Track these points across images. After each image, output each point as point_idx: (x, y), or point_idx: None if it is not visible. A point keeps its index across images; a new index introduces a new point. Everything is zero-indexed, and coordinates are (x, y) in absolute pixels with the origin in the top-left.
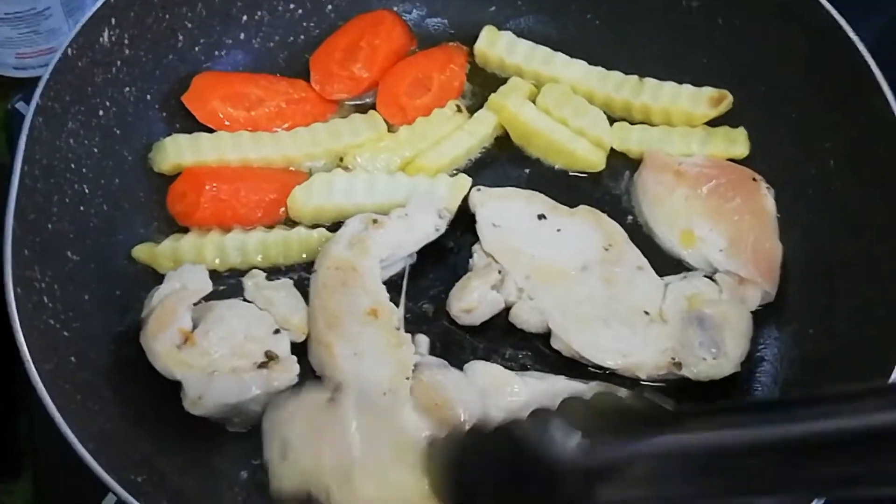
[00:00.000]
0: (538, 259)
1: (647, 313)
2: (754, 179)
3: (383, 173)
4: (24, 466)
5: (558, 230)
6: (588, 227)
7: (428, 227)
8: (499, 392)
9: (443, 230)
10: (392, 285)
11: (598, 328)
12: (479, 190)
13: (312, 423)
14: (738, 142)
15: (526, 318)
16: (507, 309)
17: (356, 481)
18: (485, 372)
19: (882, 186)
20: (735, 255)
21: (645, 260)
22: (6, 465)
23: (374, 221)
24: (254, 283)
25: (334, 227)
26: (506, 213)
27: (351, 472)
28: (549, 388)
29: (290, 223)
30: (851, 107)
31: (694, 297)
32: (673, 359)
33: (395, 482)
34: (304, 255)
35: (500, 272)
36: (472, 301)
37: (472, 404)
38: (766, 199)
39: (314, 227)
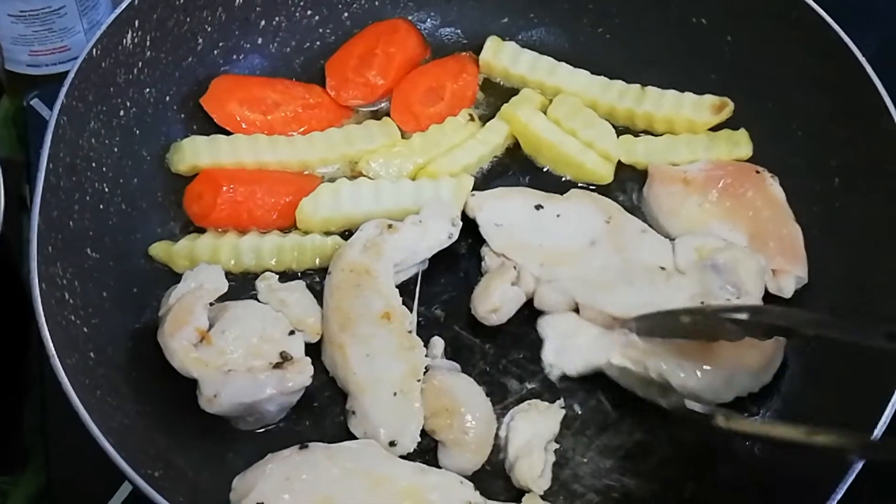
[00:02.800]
0: (547, 247)
1: (663, 268)
2: (757, 172)
3: (389, 180)
4: (30, 460)
5: (558, 216)
6: (584, 206)
7: (441, 233)
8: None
9: (456, 237)
10: (404, 291)
11: (623, 288)
12: (473, 195)
13: (287, 474)
14: (741, 143)
15: (551, 298)
16: (528, 304)
17: None
18: (556, 324)
19: (887, 203)
20: (759, 249)
21: (646, 224)
22: (12, 458)
23: (389, 226)
24: (266, 284)
25: (349, 235)
26: (505, 211)
27: None
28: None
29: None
30: (858, 125)
31: (702, 248)
32: (702, 302)
33: None
34: (318, 262)
35: (515, 268)
36: (496, 301)
37: (481, 410)
38: (774, 187)
39: (328, 234)
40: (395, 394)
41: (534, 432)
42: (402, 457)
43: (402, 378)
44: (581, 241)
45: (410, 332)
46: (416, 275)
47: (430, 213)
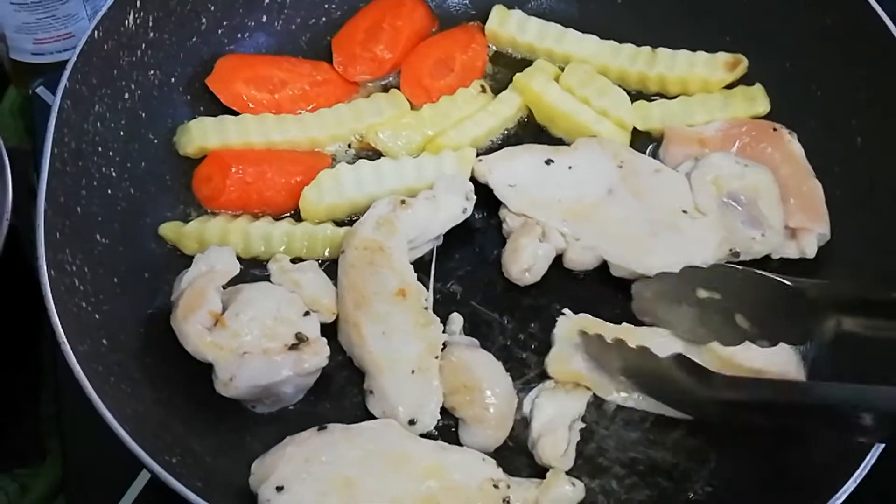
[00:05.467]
0: (565, 201)
1: (685, 212)
2: (774, 129)
3: (390, 158)
4: (48, 451)
5: (570, 167)
6: (593, 153)
7: (455, 208)
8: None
9: (470, 212)
10: (419, 267)
11: (649, 243)
12: (480, 160)
13: (307, 457)
14: (757, 99)
15: (580, 258)
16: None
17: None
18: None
19: None
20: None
21: (658, 162)
22: (32, 448)
23: (403, 202)
24: (279, 266)
25: None
26: (515, 170)
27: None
28: None
29: None
30: (879, 84)
31: (718, 180)
32: (731, 249)
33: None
34: (327, 252)
35: (538, 224)
36: (528, 259)
37: (501, 385)
38: (792, 143)
39: (337, 224)
40: (412, 372)
41: (559, 410)
42: (422, 435)
43: (420, 355)
44: (598, 191)
45: (426, 308)
46: (431, 251)
47: (444, 188)
